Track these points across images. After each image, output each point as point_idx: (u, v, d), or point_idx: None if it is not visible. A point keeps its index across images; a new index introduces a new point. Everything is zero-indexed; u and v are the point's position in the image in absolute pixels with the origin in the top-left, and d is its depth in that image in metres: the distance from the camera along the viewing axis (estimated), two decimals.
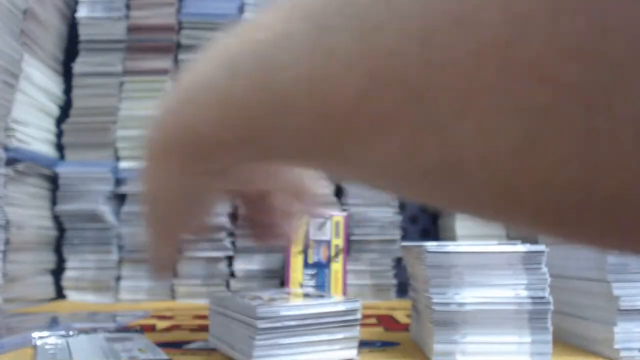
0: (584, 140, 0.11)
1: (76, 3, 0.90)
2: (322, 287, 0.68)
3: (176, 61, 0.89)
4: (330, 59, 0.15)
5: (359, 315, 0.38)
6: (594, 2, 0.10)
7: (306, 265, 0.69)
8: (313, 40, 0.15)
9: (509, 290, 0.39)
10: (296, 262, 0.70)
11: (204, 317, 0.58)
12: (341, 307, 0.38)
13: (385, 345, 0.45)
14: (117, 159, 0.86)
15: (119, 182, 0.85)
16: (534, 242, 0.41)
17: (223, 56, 0.20)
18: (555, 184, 0.12)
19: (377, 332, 0.52)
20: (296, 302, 0.38)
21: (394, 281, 0.82)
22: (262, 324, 0.35)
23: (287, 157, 0.21)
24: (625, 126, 0.11)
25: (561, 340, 0.44)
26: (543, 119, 0.12)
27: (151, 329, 0.55)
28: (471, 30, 0.12)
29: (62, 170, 0.84)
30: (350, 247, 0.82)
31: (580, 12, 0.10)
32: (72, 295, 0.82)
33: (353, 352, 0.38)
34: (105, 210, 0.84)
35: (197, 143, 0.23)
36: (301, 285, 0.68)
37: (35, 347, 0.42)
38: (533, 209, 0.13)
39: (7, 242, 0.70)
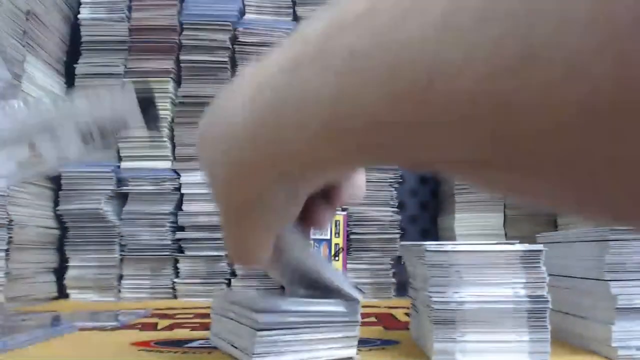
0: None
1: (78, 4, 0.90)
2: None
3: (177, 62, 0.90)
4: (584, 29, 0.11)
5: (359, 311, 0.38)
6: None
7: None
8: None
9: (507, 289, 0.39)
10: None
11: (205, 315, 0.58)
12: (341, 305, 0.38)
13: (384, 343, 0.46)
14: (119, 159, 0.87)
15: (120, 181, 0.86)
16: (532, 241, 0.42)
17: (339, 50, 0.15)
18: None
19: (376, 331, 0.52)
20: (296, 301, 0.38)
21: (394, 280, 0.83)
22: (262, 318, 0.35)
23: (425, 163, 0.17)
24: None
25: (559, 339, 0.44)
26: None
27: (153, 327, 0.55)
28: None
29: (64, 170, 0.85)
30: (350, 246, 0.82)
31: None
32: (74, 294, 0.83)
33: (353, 351, 0.39)
34: (107, 209, 0.85)
35: (299, 161, 0.20)
36: None
37: None
38: None
39: (10, 241, 0.71)
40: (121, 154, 0.87)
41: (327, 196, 0.32)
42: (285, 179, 0.23)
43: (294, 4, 0.93)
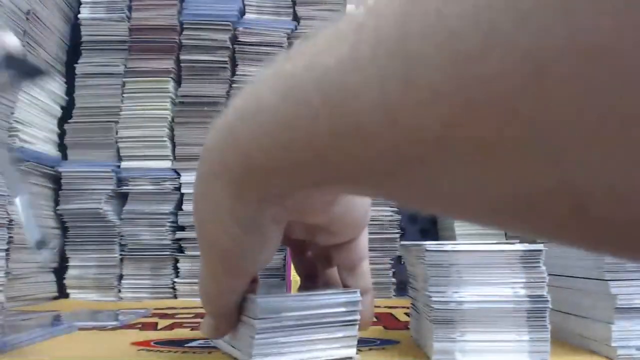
0: None
1: (78, 4, 0.90)
2: None
3: (178, 61, 0.90)
4: (411, 88, 0.14)
5: (359, 306, 0.38)
6: None
7: None
8: (387, 69, 0.15)
9: (507, 289, 0.39)
10: None
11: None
12: (342, 299, 0.38)
13: (384, 343, 0.46)
14: (119, 158, 0.87)
15: (120, 181, 0.86)
16: (532, 241, 0.42)
17: (283, 81, 0.19)
18: None
19: (376, 331, 0.52)
20: (295, 295, 0.38)
21: (394, 280, 0.83)
22: (260, 325, 0.35)
23: (348, 181, 0.20)
24: None
25: (559, 339, 0.44)
26: None
27: (153, 327, 0.55)
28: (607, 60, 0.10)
29: (64, 169, 0.85)
30: None
31: None
32: (75, 294, 0.83)
33: (352, 351, 0.39)
34: (107, 209, 0.85)
35: (250, 166, 0.23)
36: None
37: None
38: None
39: (10, 241, 0.71)
40: (121, 154, 0.87)
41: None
42: (274, 198, 0.26)
43: (294, 4, 0.93)
